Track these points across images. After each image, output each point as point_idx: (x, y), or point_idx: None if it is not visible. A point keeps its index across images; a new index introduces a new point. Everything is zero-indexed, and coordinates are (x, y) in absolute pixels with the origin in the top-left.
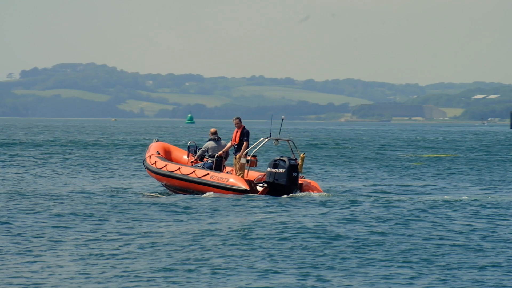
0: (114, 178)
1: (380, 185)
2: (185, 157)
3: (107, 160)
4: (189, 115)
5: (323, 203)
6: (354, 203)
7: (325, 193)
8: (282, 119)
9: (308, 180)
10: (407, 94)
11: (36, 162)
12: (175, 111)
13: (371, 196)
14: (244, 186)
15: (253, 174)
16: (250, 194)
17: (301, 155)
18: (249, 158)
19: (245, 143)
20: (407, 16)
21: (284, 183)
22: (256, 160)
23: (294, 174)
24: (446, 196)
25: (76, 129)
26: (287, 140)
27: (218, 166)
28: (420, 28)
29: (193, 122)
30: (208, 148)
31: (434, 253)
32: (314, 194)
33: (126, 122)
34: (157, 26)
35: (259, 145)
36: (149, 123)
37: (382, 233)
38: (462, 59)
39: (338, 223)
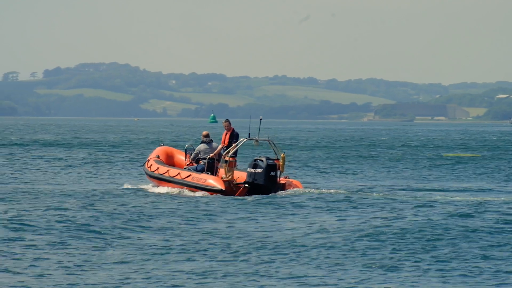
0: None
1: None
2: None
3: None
4: (212, 115)
5: (303, 203)
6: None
7: (306, 192)
8: (260, 119)
9: (291, 180)
10: (430, 94)
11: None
12: (198, 111)
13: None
14: (220, 186)
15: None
16: (229, 194)
17: (282, 155)
18: (227, 158)
19: (233, 145)
20: (431, 15)
21: (262, 183)
22: (235, 161)
23: (272, 174)
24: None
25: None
26: (267, 140)
27: (210, 167)
28: (443, 27)
29: (216, 122)
30: (200, 151)
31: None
32: (295, 194)
33: (150, 122)
34: (180, 26)
35: (238, 146)
36: (172, 123)
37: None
38: (485, 59)
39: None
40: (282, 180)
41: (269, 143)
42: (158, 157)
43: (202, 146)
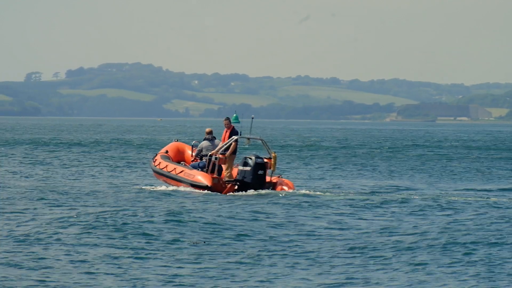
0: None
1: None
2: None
3: None
4: (235, 115)
5: (292, 202)
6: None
7: (297, 192)
8: (252, 118)
9: (283, 179)
10: (453, 94)
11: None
12: (221, 111)
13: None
14: (206, 182)
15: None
16: (217, 191)
17: (273, 154)
18: (218, 155)
19: (223, 142)
20: (455, 15)
21: (249, 181)
22: (225, 158)
23: (260, 172)
24: None
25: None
26: (259, 139)
27: (211, 164)
28: (465, 27)
29: (239, 122)
30: (202, 148)
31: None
32: (284, 193)
33: (173, 122)
34: (203, 27)
35: (228, 143)
36: (195, 123)
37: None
38: (508, 59)
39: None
40: (274, 179)
41: (262, 142)
42: (167, 152)
43: (205, 143)
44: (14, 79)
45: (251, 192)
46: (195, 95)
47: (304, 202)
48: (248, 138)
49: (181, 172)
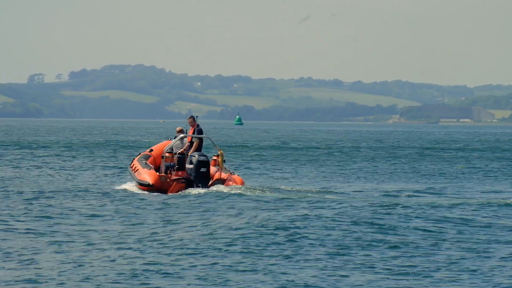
0: None
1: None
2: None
3: None
4: (238, 117)
5: (243, 198)
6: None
7: (245, 188)
8: (196, 116)
9: (234, 176)
10: (455, 96)
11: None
12: (223, 113)
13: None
14: (148, 181)
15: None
16: (161, 190)
17: (219, 151)
18: (164, 154)
19: (196, 141)
20: (456, 16)
21: (193, 178)
22: (172, 156)
23: (203, 169)
24: None
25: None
26: (206, 137)
27: (180, 162)
28: (467, 29)
29: (242, 124)
30: (173, 146)
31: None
32: (233, 189)
33: (177, 124)
34: (205, 28)
35: (174, 142)
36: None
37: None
38: (511, 60)
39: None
40: (223, 176)
41: (209, 139)
42: (151, 151)
43: (175, 142)
44: (17, 81)
45: (196, 190)
46: (197, 96)
47: (243, 198)
48: (192, 137)
49: (136, 170)
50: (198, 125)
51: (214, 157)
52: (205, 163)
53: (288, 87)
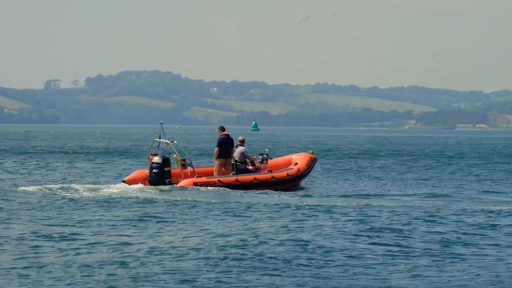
0: None
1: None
2: None
3: None
4: (254, 122)
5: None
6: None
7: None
8: (161, 123)
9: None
10: (472, 101)
11: None
12: (239, 118)
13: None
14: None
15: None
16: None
17: (173, 156)
18: (147, 155)
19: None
20: (473, 21)
21: (149, 179)
22: (148, 158)
23: (155, 171)
24: None
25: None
26: (172, 142)
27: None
28: (486, 34)
29: (258, 129)
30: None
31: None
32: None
33: (192, 129)
34: (221, 34)
35: (152, 146)
36: (213, 130)
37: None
38: None
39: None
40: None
41: (175, 143)
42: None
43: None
44: (34, 87)
45: (151, 189)
46: (214, 102)
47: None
48: (160, 141)
49: None
50: (226, 134)
51: (183, 161)
52: (160, 165)
53: (304, 93)
